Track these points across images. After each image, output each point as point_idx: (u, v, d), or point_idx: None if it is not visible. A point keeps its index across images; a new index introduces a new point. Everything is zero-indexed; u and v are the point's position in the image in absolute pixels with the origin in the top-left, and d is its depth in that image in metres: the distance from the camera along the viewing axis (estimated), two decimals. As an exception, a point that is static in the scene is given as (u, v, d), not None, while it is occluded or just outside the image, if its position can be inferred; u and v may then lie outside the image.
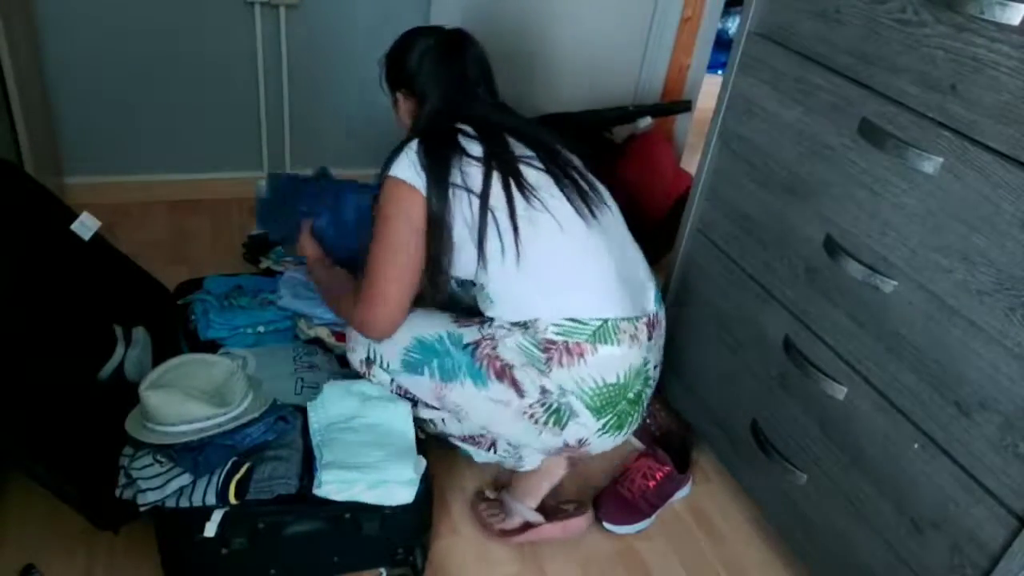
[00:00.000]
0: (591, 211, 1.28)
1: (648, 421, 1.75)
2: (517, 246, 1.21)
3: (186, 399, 1.21)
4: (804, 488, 1.35)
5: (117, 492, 1.20)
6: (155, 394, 1.20)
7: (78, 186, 2.27)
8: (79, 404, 1.31)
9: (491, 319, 1.27)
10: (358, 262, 1.55)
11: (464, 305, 1.38)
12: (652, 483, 1.55)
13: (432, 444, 1.51)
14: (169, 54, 2.19)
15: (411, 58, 1.36)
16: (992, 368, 1.01)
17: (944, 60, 1.02)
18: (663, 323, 1.35)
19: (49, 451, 1.18)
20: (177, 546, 1.22)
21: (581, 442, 1.29)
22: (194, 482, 1.19)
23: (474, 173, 1.22)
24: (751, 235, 1.42)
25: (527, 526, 1.46)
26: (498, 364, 1.23)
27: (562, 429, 1.26)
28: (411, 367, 1.29)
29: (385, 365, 1.33)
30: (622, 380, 1.25)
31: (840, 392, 1.24)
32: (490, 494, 1.52)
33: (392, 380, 1.34)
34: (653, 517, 1.56)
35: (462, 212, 1.22)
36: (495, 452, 1.42)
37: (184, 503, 1.19)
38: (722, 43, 3.40)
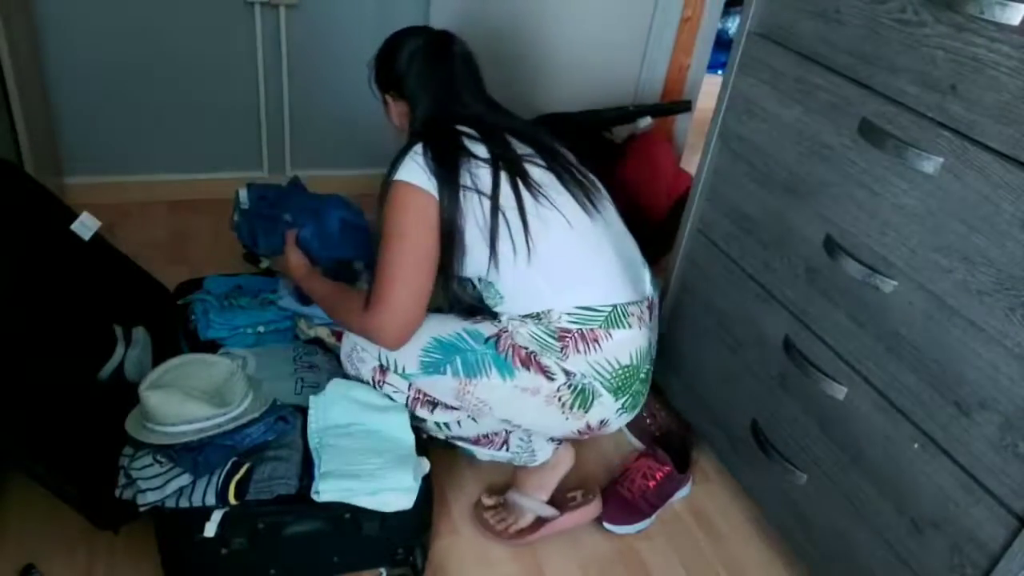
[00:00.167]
0: (593, 205, 1.33)
1: (648, 421, 1.75)
2: (528, 244, 1.24)
3: (186, 399, 1.21)
4: (804, 488, 1.35)
5: (117, 492, 1.20)
6: (155, 394, 1.20)
7: (78, 186, 2.27)
8: (79, 404, 1.31)
9: (499, 314, 1.30)
10: (342, 273, 1.56)
11: (465, 304, 1.38)
12: (652, 483, 1.55)
13: (432, 444, 1.51)
14: (169, 54, 2.19)
15: (400, 60, 1.37)
16: (992, 368, 1.01)
17: (944, 60, 1.02)
18: (656, 304, 1.42)
19: (49, 451, 1.18)
20: (177, 546, 1.22)
21: (602, 423, 1.33)
22: (194, 482, 1.19)
23: (483, 175, 1.25)
24: (751, 235, 1.42)
25: (540, 522, 1.46)
26: (523, 353, 1.25)
27: (586, 412, 1.29)
28: (431, 368, 1.28)
29: (401, 370, 1.30)
30: (635, 361, 1.31)
31: (840, 392, 1.24)
32: (489, 501, 1.51)
33: (410, 385, 1.32)
34: (653, 517, 1.56)
35: (474, 214, 1.24)
36: (507, 450, 1.42)
37: (184, 503, 1.19)
38: (722, 43, 3.40)
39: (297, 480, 1.26)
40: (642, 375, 1.34)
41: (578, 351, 1.25)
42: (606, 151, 2.40)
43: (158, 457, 1.20)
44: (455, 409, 1.33)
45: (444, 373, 1.27)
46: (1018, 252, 0.96)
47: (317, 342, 1.66)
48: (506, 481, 1.56)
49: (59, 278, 1.45)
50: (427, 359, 1.28)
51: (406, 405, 1.34)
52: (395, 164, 1.27)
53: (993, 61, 0.96)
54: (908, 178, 1.09)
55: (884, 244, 1.14)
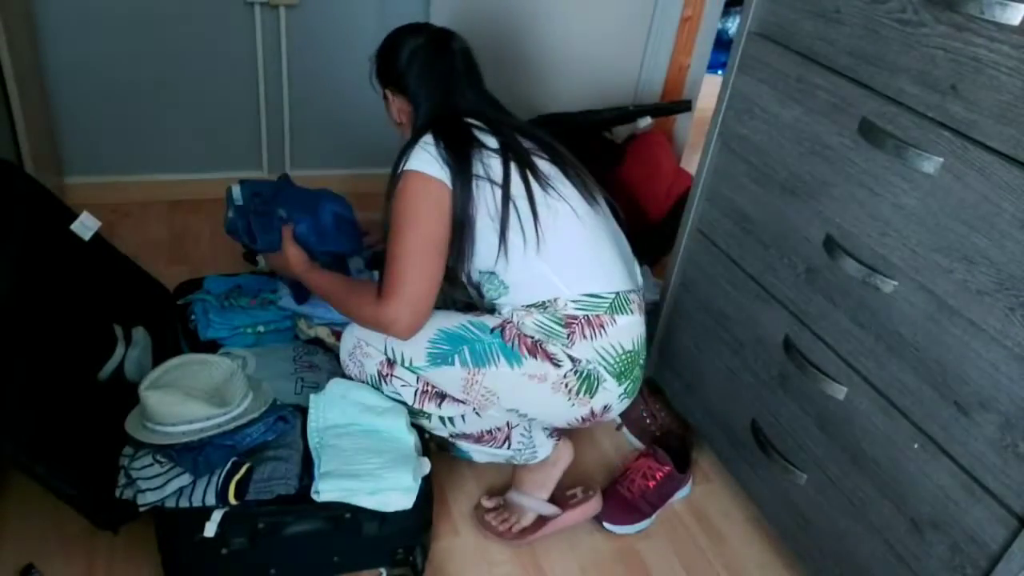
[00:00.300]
0: (593, 197, 1.39)
1: (648, 421, 1.75)
2: (538, 233, 1.27)
3: (186, 399, 1.21)
4: (804, 488, 1.35)
5: (117, 492, 1.20)
6: (155, 394, 1.20)
7: (78, 186, 2.27)
8: (79, 404, 1.31)
9: (499, 308, 1.33)
10: (336, 267, 1.55)
11: (459, 304, 1.38)
12: (652, 483, 1.55)
13: (432, 444, 1.51)
14: (169, 54, 2.19)
15: (401, 56, 1.38)
16: (992, 368, 1.01)
17: (944, 60, 1.02)
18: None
19: (49, 451, 1.17)
20: (177, 546, 1.22)
21: (605, 408, 1.35)
22: (194, 482, 1.19)
23: (494, 164, 1.28)
24: (751, 235, 1.42)
25: (542, 521, 1.46)
26: (529, 341, 1.27)
27: (592, 397, 1.31)
28: (439, 359, 1.28)
29: (408, 363, 1.30)
30: (636, 347, 1.34)
31: (840, 392, 1.24)
32: (490, 503, 1.51)
33: (418, 378, 1.32)
34: (653, 517, 1.56)
35: (485, 203, 1.26)
36: (509, 447, 1.42)
37: (184, 503, 1.19)
38: (722, 43, 3.40)
39: (297, 480, 1.26)
40: (641, 361, 1.37)
41: (584, 337, 1.28)
42: (606, 151, 2.40)
43: (158, 457, 1.20)
44: (461, 403, 1.33)
45: (452, 364, 1.28)
46: (1018, 252, 0.96)
47: (317, 342, 1.66)
48: (505, 483, 1.56)
49: (59, 278, 1.45)
50: (435, 350, 1.29)
51: (413, 398, 1.34)
52: (404, 155, 1.28)
53: (993, 61, 0.96)
54: (908, 178, 1.09)
55: (884, 244, 1.14)
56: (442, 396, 1.33)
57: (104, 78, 2.16)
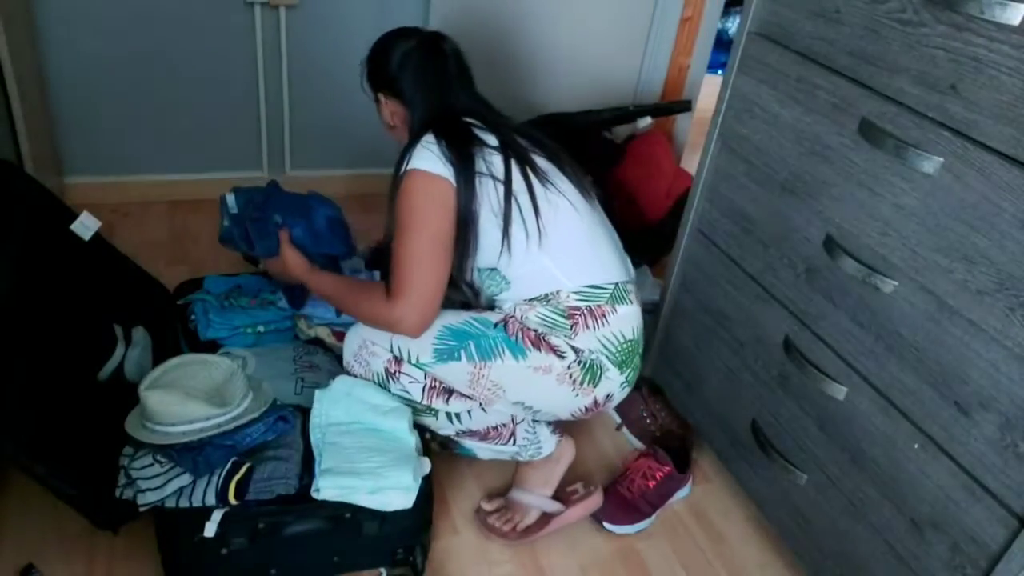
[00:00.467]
0: (588, 192, 1.42)
1: (648, 421, 1.75)
2: (540, 228, 1.30)
3: (186, 399, 1.21)
4: (804, 488, 1.35)
5: (117, 492, 1.20)
6: (155, 394, 1.20)
7: (78, 186, 2.27)
8: (79, 404, 1.31)
9: (499, 304, 1.35)
10: (330, 269, 1.54)
11: (456, 303, 1.39)
12: (652, 483, 1.55)
13: (434, 445, 1.51)
14: (169, 54, 2.19)
15: (392, 60, 1.40)
16: (992, 368, 1.01)
17: (944, 60, 1.02)
18: None
19: (49, 451, 1.17)
20: (177, 546, 1.22)
21: (608, 397, 1.38)
22: (194, 482, 1.19)
23: (495, 161, 1.30)
24: (751, 235, 1.42)
25: (546, 518, 1.47)
26: (532, 334, 1.30)
27: (595, 386, 1.34)
28: (445, 354, 1.30)
29: (415, 360, 1.32)
30: (636, 336, 1.38)
31: (840, 392, 1.24)
32: (490, 505, 1.51)
33: (425, 374, 1.33)
34: (653, 517, 1.56)
35: (488, 199, 1.29)
36: (514, 443, 1.42)
37: (184, 503, 1.19)
38: (722, 43, 3.41)
39: (297, 480, 1.26)
40: (640, 350, 1.41)
41: (587, 327, 1.31)
42: (606, 151, 2.40)
43: (158, 457, 1.20)
44: (468, 399, 1.34)
45: (459, 359, 1.29)
46: (1018, 252, 0.96)
47: (317, 342, 1.66)
48: (504, 483, 1.56)
49: (59, 278, 1.45)
50: (441, 346, 1.30)
51: (422, 394, 1.34)
52: (406, 155, 1.30)
53: (993, 61, 0.96)
54: (908, 178, 1.09)
55: (884, 244, 1.14)
56: (449, 392, 1.34)
57: (104, 78, 2.16)
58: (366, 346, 1.35)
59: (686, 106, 2.62)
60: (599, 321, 1.32)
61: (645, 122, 2.42)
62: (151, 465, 1.19)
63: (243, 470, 1.21)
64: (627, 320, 1.36)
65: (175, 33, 2.16)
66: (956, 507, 1.07)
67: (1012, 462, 0.99)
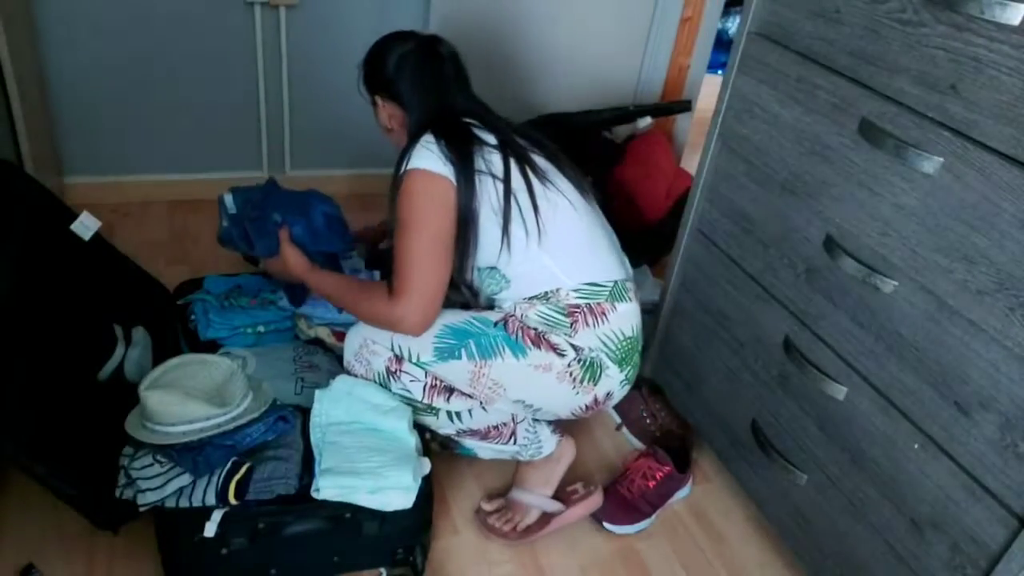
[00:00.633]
0: (586, 191, 1.43)
1: (648, 421, 1.75)
2: (539, 225, 1.31)
3: (186, 399, 1.21)
4: (804, 488, 1.35)
5: (117, 492, 1.20)
6: (155, 394, 1.20)
7: (78, 186, 2.27)
8: (79, 404, 1.31)
9: (498, 303, 1.36)
10: (329, 267, 1.55)
11: (455, 303, 1.39)
12: (652, 483, 1.55)
13: (434, 444, 1.51)
14: (169, 54, 2.19)
15: (390, 62, 1.41)
16: (992, 368, 1.01)
17: (944, 60, 1.02)
18: None
19: (49, 451, 1.18)
20: (177, 546, 1.22)
21: (608, 395, 1.39)
22: (194, 482, 1.19)
23: (495, 159, 1.31)
24: (751, 235, 1.42)
25: (547, 518, 1.47)
26: (532, 333, 1.31)
27: (596, 384, 1.35)
28: (446, 353, 1.30)
29: (416, 358, 1.32)
30: (635, 333, 1.39)
31: (840, 392, 1.24)
32: (490, 506, 1.50)
33: (426, 373, 1.33)
34: (653, 517, 1.56)
35: (488, 198, 1.29)
36: (514, 442, 1.43)
37: (184, 503, 1.19)
38: (722, 43, 3.41)
39: (297, 480, 1.26)
40: (639, 348, 1.42)
41: (587, 324, 1.32)
42: (606, 151, 2.40)
43: (158, 457, 1.20)
44: (469, 397, 1.35)
45: (459, 357, 1.30)
46: (1018, 252, 0.96)
47: (317, 342, 1.66)
48: (503, 483, 1.56)
49: (59, 278, 1.45)
50: (441, 345, 1.30)
51: (423, 393, 1.34)
52: (406, 155, 1.30)
53: (993, 61, 0.96)
54: (908, 178, 1.09)
55: (884, 244, 1.14)
56: (450, 390, 1.34)
57: (104, 78, 2.16)
58: (367, 345, 1.35)
59: (686, 106, 2.62)
60: (599, 319, 1.33)
61: (645, 122, 2.42)
62: (151, 465, 1.19)
63: (243, 470, 1.21)
64: (627, 318, 1.37)
65: (175, 33, 2.16)
66: (956, 507, 1.07)
67: (1012, 462, 0.99)
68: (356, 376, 1.39)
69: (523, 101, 2.52)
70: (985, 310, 1.01)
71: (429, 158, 1.27)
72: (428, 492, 1.32)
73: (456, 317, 1.33)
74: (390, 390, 1.36)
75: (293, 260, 1.49)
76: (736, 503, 1.65)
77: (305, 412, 1.36)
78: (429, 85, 1.39)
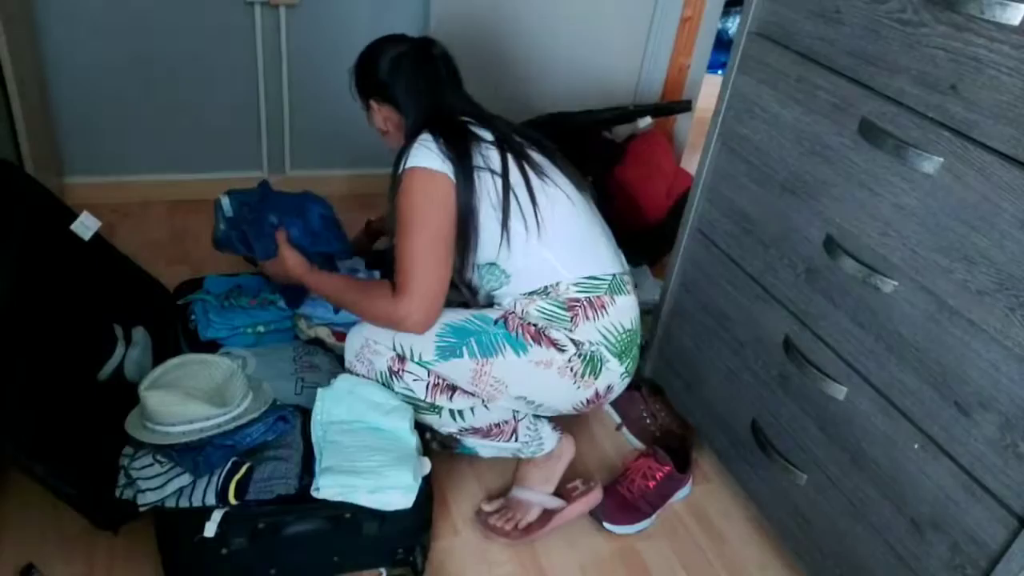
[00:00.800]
0: (583, 186, 1.44)
1: (648, 421, 1.75)
2: (538, 220, 1.32)
3: (186, 399, 1.21)
4: (804, 488, 1.35)
5: (117, 492, 1.21)
6: (155, 394, 1.20)
7: (78, 186, 2.27)
8: (79, 404, 1.31)
9: (497, 300, 1.37)
10: (326, 268, 1.55)
11: (453, 302, 1.39)
12: (652, 483, 1.55)
13: (434, 446, 1.51)
14: (169, 54, 2.19)
15: (383, 66, 1.42)
16: (992, 368, 1.01)
17: (944, 60, 1.02)
18: None
19: (49, 451, 1.18)
20: (177, 546, 1.22)
21: (608, 388, 1.40)
22: (194, 482, 1.19)
23: (492, 155, 1.32)
24: (751, 235, 1.42)
25: (548, 515, 1.47)
26: (532, 329, 1.32)
27: (596, 378, 1.36)
28: (448, 351, 1.31)
29: (418, 357, 1.32)
30: (634, 326, 1.40)
31: (840, 392, 1.24)
32: (490, 507, 1.50)
33: (429, 372, 1.33)
34: (653, 517, 1.56)
35: (487, 193, 1.30)
36: (516, 440, 1.43)
37: (184, 503, 1.19)
38: (722, 43, 3.40)
39: (297, 480, 1.26)
40: (639, 340, 1.43)
41: (587, 318, 1.33)
42: (606, 151, 2.40)
43: (158, 457, 1.20)
44: (471, 395, 1.35)
45: (461, 355, 1.30)
46: (1018, 252, 0.96)
47: (317, 342, 1.66)
48: (504, 483, 1.57)
49: (59, 278, 1.45)
50: (443, 343, 1.31)
51: (425, 392, 1.34)
52: (404, 155, 1.31)
53: (993, 61, 0.96)
54: (908, 178, 1.09)
55: (884, 244, 1.14)
56: (453, 388, 1.35)
57: (104, 78, 2.16)
58: (368, 345, 1.35)
59: (686, 106, 2.62)
60: (599, 312, 1.34)
61: (645, 122, 2.42)
62: (151, 465, 1.19)
63: (243, 470, 1.21)
64: (626, 310, 1.38)
65: (175, 33, 2.16)
66: (956, 507, 1.07)
67: (1012, 462, 0.99)
68: (358, 375, 1.39)
69: (523, 101, 2.52)
70: (985, 310, 1.01)
71: (428, 156, 1.28)
72: (428, 492, 1.32)
73: (456, 315, 1.33)
74: (393, 389, 1.36)
75: (292, 262, 1.49)
76: (736, 503, 1.65)
77: (305, 412, 1.36)
78: (424, 86, 1.40)
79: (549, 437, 1.48)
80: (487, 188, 1.30)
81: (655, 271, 2.19)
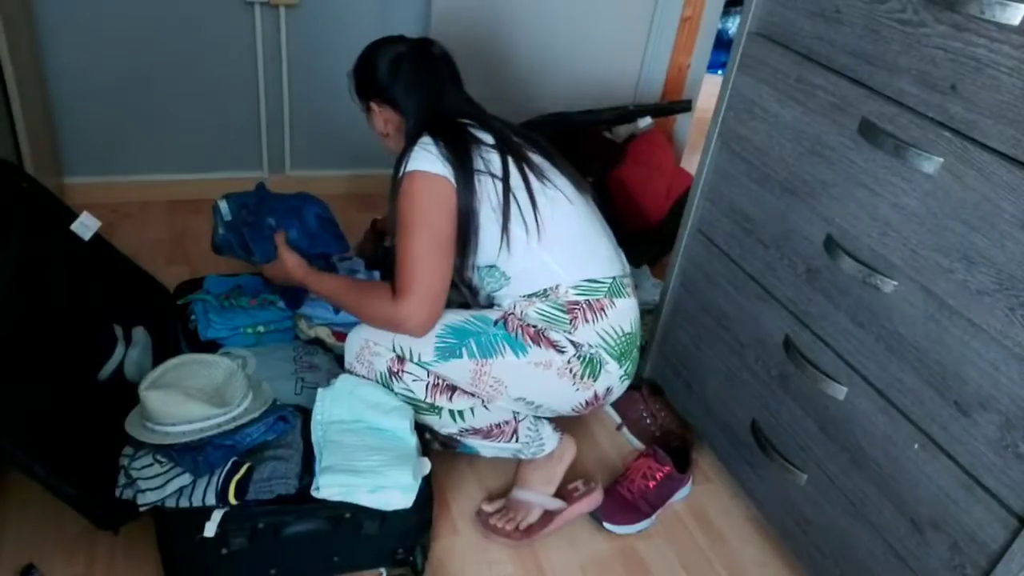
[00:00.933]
0: (583, 187, 1.44)
1: (648, 421, 1.75)
2: (538, 222, 1.32)
3: (186, 399, 1.21)
4: (804, 488, 1.35)
5: (117, 492, 1.20)
6: (155, 394, 1.20)
7: (78, 186, 2.27)
8: (79, 404, 1.31)
9: (497, 301, 1.37)
10: (327, 267, 1.54)
11: (453, 302, 1.39)
12: (652, 483, 1.55)
13: (434, 446, 1.51)
14: (169, 54, 2.19)
15: (382, 68, 1.41)
16: (992, 368, 1.01)
17: (944, 60, 1.02)
18: None
19: (49, 451, 1.17)
20: (177, 546, 1.22)
21: (608, 391, 1.40)
22: (194, 482, 1.19)
23: (493, 158, 1.32)
24: (751, 235, 1.42)
25: (549, 516, 1.47)
26: (532, 331, 1.32)
27: (595, 380, 1.36)
28: (447, 352, 1.31)
29: (418, 358, 1.32)
30: (634, 329, 1.41)
31: (840, 392, 1.24)
32: (491, 507, 1.50)
33: (428, 372, 1.33)
34: (653, 517, 1.56)
35: (488, 196, 1.30)
36: (516, 440, 1.43)
37: (184, 503, 1.19)
38: (722, 43, 3.41)
39: (297, 480, 1.26)
40: (639, 343, 1.44)
41: (587, 320, 1.33)
42: (606, 151, 2.40)
43: (158, 457, 1.20)
44: (471, 396, 1.35)
45: (460, 356, 1.31)
46: (1018, 252, 0.96)
47: (317, 342, 1.66)
48: (504, 483, 1.57)
49: (59, 278, 1.45)
50: (443, 344, 1.31)
51: (425, 392, 1.34)
52: (404, 158, 1.31)
53: (993, 61, 0.96)
54: (908, 178, 1.09)
55: (884, 244, 1.14)
56: (453, 389, 1.35)
57: (104, 78, 2.16)
58: (368, 347, 1.35)
59: (686, 106, 2.62)
60: (598, 315, 1.34)
61: (645, 122, 2.42)
62: (151, 465, 1.19)
63: (243, 470, 1.21)
64: (625, 313, 1.38)
65: (175, 33, 2.16)
66: (956, 507, 1.07)
67: (1012, 462, 0.99)
68: (358, 375, 1.39)
69: (523, 101, 2.52)
70: (985, 310, 1.01)
71: (428, 159, 1.28)
72: (428, 492, 1.32)
73: (456, 316, 1.33)
74: (392, 390, 1.36)
75: (292, 264, 1.49)
76: (736, 503, 1.65)
77: (305, 412, 1.36)
78: (425, 88, 1.40)
79: (550, 438, 1.48)
80: (487, 191, 1.30)
81: (655, 271, 2.19)
